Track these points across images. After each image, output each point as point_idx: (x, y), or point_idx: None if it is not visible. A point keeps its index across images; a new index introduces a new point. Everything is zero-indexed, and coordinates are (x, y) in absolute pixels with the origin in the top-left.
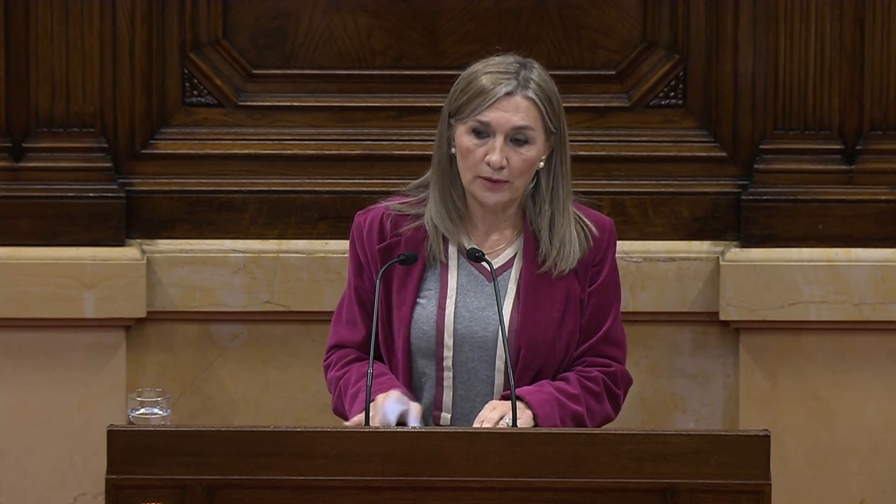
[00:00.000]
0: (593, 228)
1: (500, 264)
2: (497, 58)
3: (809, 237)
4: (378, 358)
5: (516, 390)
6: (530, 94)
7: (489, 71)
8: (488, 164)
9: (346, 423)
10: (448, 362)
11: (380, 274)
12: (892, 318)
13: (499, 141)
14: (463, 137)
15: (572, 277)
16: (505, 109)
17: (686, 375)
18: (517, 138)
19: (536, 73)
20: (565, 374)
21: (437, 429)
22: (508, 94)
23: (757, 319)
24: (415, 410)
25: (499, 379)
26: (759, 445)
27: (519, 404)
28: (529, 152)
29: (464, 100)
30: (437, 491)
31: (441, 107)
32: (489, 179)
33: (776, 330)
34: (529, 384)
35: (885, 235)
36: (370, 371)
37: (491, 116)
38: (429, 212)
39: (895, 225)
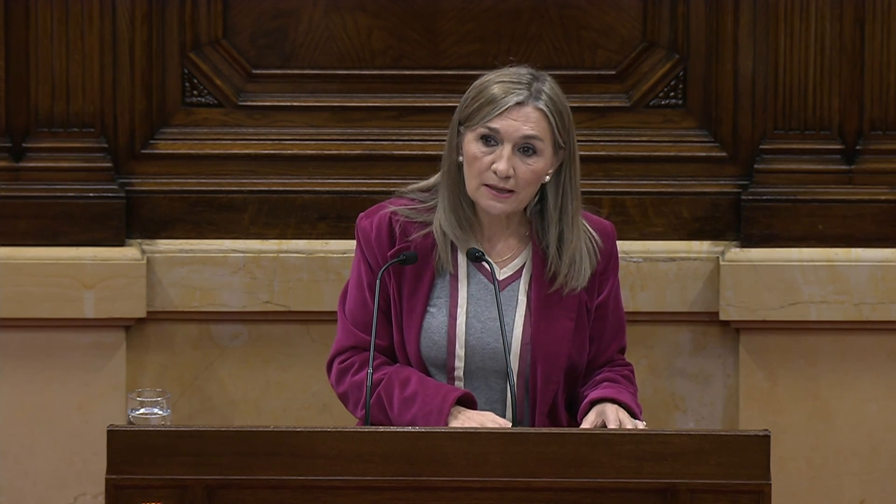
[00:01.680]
0: (599, 241)
1: (507, 275)
2: (510, 69)
3: (809, 237)
4: (394, 362)
5: (610, 395)
6: (541, 105)
7: (501, 80)
8: (495, 172)
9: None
10: (459, 373)
11: (380, 274)
12: (892, 318)
13: (507, 149)
14: (471, 144)
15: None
16: (515, 118)
17: (686, 375)
18: (525, 147)
19: (549, 85)
20: (609, 373)
21: (438, 429)
22: (519, 103)
23: (757, 319)
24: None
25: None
26: (759, 445)
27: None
28: (537, 164)
29: (474, 107)
30: (437, 491)
31: (441, 107)
32: (495, 188)
33: (776, 330)
34: (552, 398)
35: (885, 235)
36: (370, 371)
37: (500, 124)
38: (437, 220)
39: (895, 225)
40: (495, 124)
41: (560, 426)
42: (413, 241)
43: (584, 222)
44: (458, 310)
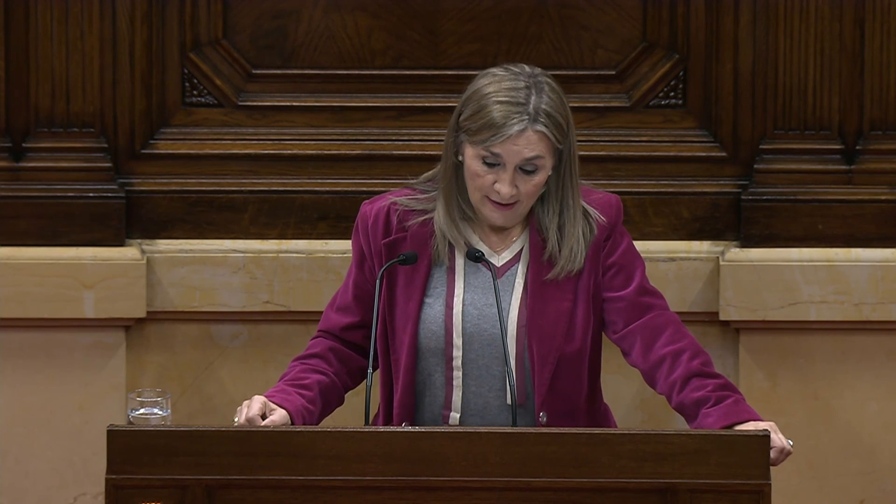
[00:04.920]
0: (598, 216)
1: (506, 260)
2: (507, 79)
3: (809, 237)
4: (376, 356)
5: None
6: (540, 127)
7: (500, 100)
8: (498, 192)
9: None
10: (458, 362)
11: (380, 274)
12: (892, 318)
13: (509, 173)
14: (472, 160)
15: (580, 267)
16: (516, 144)
17: None
18: (527, 168)
19: (546, 97)
20: (697, 380)
21: (437, 429)
22: (521, 130)
23: (757, 319)
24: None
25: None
26: (758, 445)
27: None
28: (539, 177)
29: (474, 126)
30: (437, 491)
31: (441, 107)
32: (499, 203)
33: (776, 330)
34: (550, 378)
35: (885, 235)
36: (370, 371)
37: (502, 149)
38: (437, 215)
39: (895, 225)
40: (497, 150)
41: (571, 409)
42: (410, 229)
43: (586, 202)
44: (455, 299)
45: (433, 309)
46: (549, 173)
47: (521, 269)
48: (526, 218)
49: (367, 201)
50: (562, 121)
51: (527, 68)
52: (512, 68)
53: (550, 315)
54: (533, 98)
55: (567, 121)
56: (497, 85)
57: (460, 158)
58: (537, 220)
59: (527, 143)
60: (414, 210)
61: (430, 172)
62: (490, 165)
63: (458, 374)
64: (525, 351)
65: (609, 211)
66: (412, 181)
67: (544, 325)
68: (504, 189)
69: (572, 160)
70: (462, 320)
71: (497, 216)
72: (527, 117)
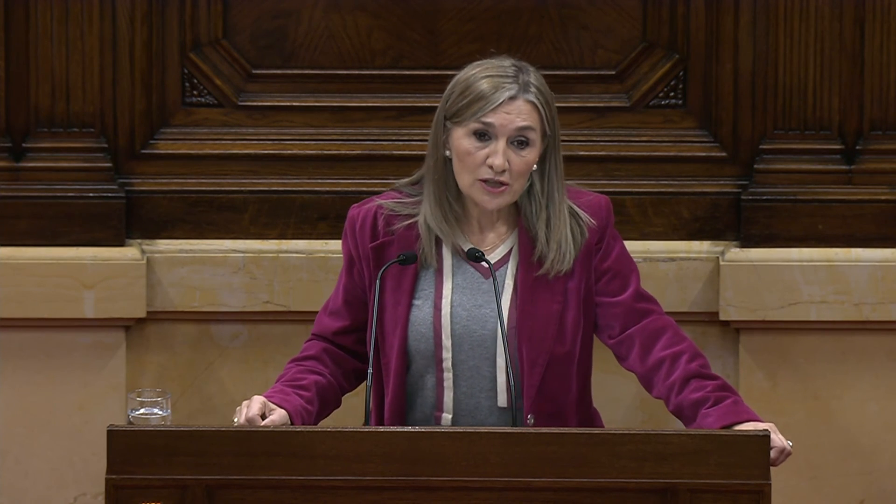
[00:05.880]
0: (588, 219)
1: (495, 260)
2: (492, 60)
3: (809, 237)
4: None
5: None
6: (531, 97)
7: (488, 75)
8: (490, 166)
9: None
10: (447, 363)
11: (379, 274)
12: (892, 318)
13: (501, 144)
14: (462, 140)
15: (569, 269)
16: (508, 112)
17: None
18: (519, 140)
19: (533, 76)
20: (696, 381)
21: (437, 429)
22: (511, 98)
23: (757, 319)
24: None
25: (501, 377)
26: (758, 445)
27: (752, 424)
28: (529, 154)
29: (463, 103)
30: (437, 491)
31: None
32: (489, 183)
33: (776, 330)
34: (540, 380)
35: (885, 235)
36: (370, 371)
37: (494, 118)
38: (423, 214)
39: (895, 225)
40: (489, 119)
41: (559, 411)
42: (396, 232)
43: (572, 203)
44: (443, 301)
45: (422, 311)
46: (539, 154)
47: (510, 271)
48: (514, 218)
49: (355, 205)
50: (550, 101)
51: (511, 58)
52: (495, 56)
53: (540, 317)
54: (521, 74)
55: (554, 107)
56: (481, 67)
57: (448, 153)
58: (525, 219)
59: (518, 111)
60: (399, 214)
61: (415, 175)
62: (482, 139)
63: (448, 376)
64: (515, 352)
65: (599, 213)
66: (397, 182)
67: (534, 326)
68: (497, 161)
69: (557, 153)
70: (451, 322)
71: (488, 199)
72: (517, 86)
